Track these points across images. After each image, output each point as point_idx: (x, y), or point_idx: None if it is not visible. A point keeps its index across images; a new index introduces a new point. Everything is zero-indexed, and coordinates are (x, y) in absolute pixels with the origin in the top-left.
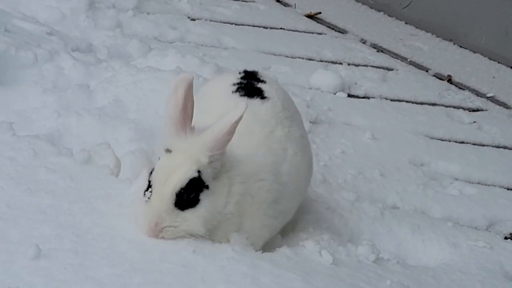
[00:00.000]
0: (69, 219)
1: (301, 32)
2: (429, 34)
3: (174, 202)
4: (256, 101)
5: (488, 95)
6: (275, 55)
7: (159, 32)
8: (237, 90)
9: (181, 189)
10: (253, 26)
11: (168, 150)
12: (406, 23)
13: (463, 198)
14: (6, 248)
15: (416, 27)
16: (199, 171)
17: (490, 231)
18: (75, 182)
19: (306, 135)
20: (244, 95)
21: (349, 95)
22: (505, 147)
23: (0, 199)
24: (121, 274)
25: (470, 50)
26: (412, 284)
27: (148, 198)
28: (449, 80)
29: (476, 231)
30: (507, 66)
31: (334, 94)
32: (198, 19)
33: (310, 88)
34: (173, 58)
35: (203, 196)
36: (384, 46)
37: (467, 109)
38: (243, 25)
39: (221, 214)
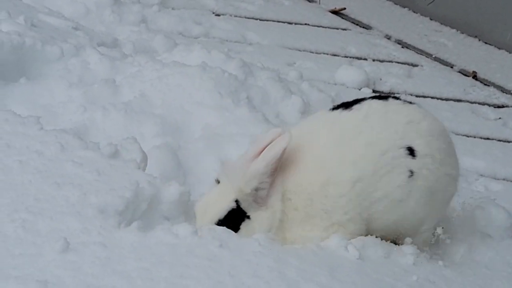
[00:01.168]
0: (96, 212)
1: (326, 27)
2: (454, 30)
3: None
4: (339, 112)
5: None
6: (299, 50)
7: (184, 27)
8: (334, 108)
9: (219, 220)
10: (278, 21)
11: (217, 181)
12: (430, 19)
13: (489, 194)
14: (34, 242)
15: (441, 23)
16: (237, 201)
17: None
18: (102, 176)
19: (382, 145)
20: (334, 108)
21: (374, 91)
22: None
23: (28, 192)
24: (149, 268)
25: (495, 46)
26: (438, 280)
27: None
28: (474, 77)
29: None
30: None
31: (359, 90)
32: (222, 14)
33: (335, 84)
34: (199, 53)
35: (244, 225)
36: (409, 42)
37: (492, 105)
38: (267, 20)
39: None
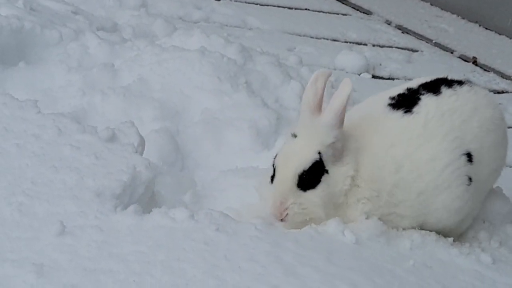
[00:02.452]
0: (93, 196)
1: (326, 13)
2: (455, 15)
3: (296, 183)
4: (398, 113)
5: None
6: (299, 35)
7: (184, 12)
8: (393, 97)
9: (304, 170)
10: (278, 6)
11: (294, 135)
12: (431, 5)
13: None
14: (31, 225)
15: (442, 9)
16: (319, 153)
17: None
18: (99, 159)
19: (442, 162)
20: (392, 104)
21: (374, 76)
22: None
23: (25, 176)
24: (145, 251)
25: (495, 32)
26: (435, 265)
27: (272, 181)
28: (474, 62)
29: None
30: None
31: (359, 75)
32: None
33: (335, 69)
34: (198, 38)
35: (324, 179)
36: (409, 28)
37: (492, 91)
38: (268, 5)
39: (338, 198)
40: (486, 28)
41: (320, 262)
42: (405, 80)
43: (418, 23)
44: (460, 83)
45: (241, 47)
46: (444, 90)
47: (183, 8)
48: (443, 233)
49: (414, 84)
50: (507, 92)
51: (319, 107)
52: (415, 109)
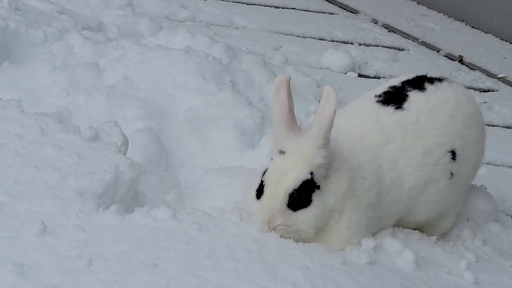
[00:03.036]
0: (75, 195)
1: (313, 12)
2: (441, 14)
3: (287, 202)
4: (389, 109)
5: (499, 75)
6: (286, 34)
7: (170, 11)
8: (380, 95)
9: (294, 190)
10: (265, 5)
11: (282, 152)
12: (418, 3)
13: None
14: (13, 224)
15: (428, 8)
16: (311, 173)
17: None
18: (82, 159)
19: (434, 157)
20: (381, 101)
21: (360, 75)
22: None
23: (7, 175)
24: (126, 251)
25: (482, 30)
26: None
27: (260, 197)
28: (461, 61)
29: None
30: None
31: (345, 74)
32: None
33: (321, 68)
34: (183, 37)
35: (315, 196)
36: (396, 26)
37: (478, 90)
38: (254, 4)
39: (330, 212)
40: (473, 27)
41: (303, 260)
42: (391, 78)
43: (405, 22)
44: (439, 80)
45: (226, 46)
46: (428, 86)
47: (169, 7)
48: (426, 229)
49: (396, 82)
50: (492, 90)
51: (292, 118)
52: (405, 105)
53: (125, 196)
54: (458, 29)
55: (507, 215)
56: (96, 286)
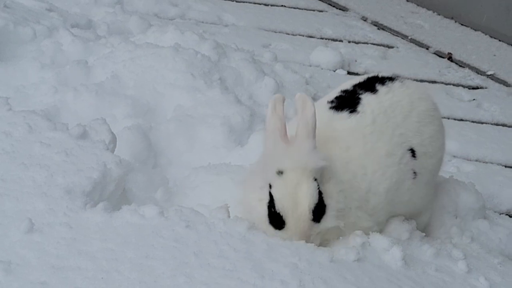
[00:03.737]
0: (63, 193)
1: (302, 9)
2: (430, 11)
3: (311, 218)
4: (343, 114)
5: (488, 73)
6: (275, 32)
7: (160, 9)
8: (332, 101)
9: (316, 204)
10: (254, 3)
11: (280, 172)
12: (407, 1)
13: (461, 175)
14: (0, 222)
15: (418, 5)
16: (315, 179)
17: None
18: (70, 156)
19: (397, 157)
20: (334, 107)
21: (349, 73)
22: (504, 125)
23: None
24: (113, 248)
25: (471, 28)
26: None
27: (282, 227)
28: (450, 58)
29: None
30: (508, 44)
31: (334, 71)
32: None
33: (310, 65)
34: (172, 35)
35: (324, 198)
36: (385, 24)
37: (466, 87)
38: (244, 2)
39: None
40: (462, 24)
41: (290, 258)
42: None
43: (394, 19)
44: (391, 79)
45: (215, 44)
46: (379, 87)
47: (159, 5)
48: None
49: (347, 85)
50: (481, 87)
51: (286, 133)
52: (359, 108)
53: (113, 194)
54: (447, 27)
55: (495, 212)
56: (84, 283)
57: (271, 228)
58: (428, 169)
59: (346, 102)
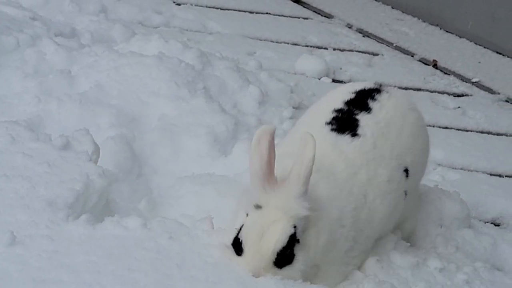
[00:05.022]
0: (45, 205)
1: (287, 16)
2: (415, 19)
3: (274, 260)
4: (346, 138)
5: (473, 80)
6: (260, 40)
7: (144, 17)
8: (330, 122)
9: (283, 247)
10: (239, 10)
11: (258, 206)
12: (392, 8)
13: (446, 184)
14: None
15: (403, 12)
16: (295, 226)
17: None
18: (52, 168)
19: (396, 178)
20: (335, 129)
21: (334, 80)
22: (489, 133)
23: None
24: (96, 261)
25: (456, 35)
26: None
27: (240, 254)
28: (435, 65)
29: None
30: (492, 51)
31: (319, 79)
32: (183, 3)
33: (295, 73)
34: (156, 43)
35: (297, 251)
36: (370, 31)
37: (451, 94)
38: (229, 9)
39: (312, 267)
40: (447, 31)
41: None
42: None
43: (379, 26)
44: (377, 91)
45: (199, 52)
46: (372, 105)
47: (143, 13)
48: None
49: (337, 101)
50: (466, 95)
51: (270, 172)
52: (359, 131)
53: (96, 205)
54: (432, 34)
55: (480, 220)
56: None
57: (231, 251)
58: (416, 183)
59: (345, 124)
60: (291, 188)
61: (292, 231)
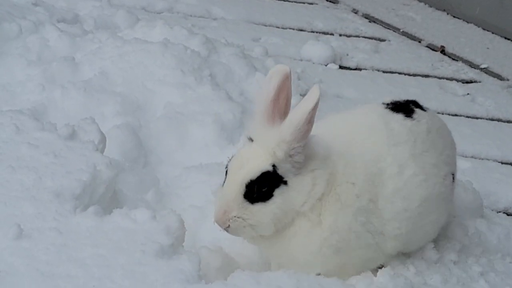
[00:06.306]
0: (52, 197)
1: (292, 2)
2: (422, 4)
3: (243, 193)
4: (399, 116)
5: (482, 66)
6: (265, 25)
7: (147, 2)
8: (389, 104)
9: (251, 181)
10: None
11: (250, 139)
12: None
13: (457, 173)
14: None
15: None
16: (274, 166)
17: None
18: (58, 158)
19: (443, 172)
20: (391, 108)
21: (341, 67)
22: (499, 120)
23: None
24: (105, 254)
25: (463, 20)
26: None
27: (223, 185)
28: (442, 51)
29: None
30: (501, 36)
31: (325, 65)
32: None
33: (301, 60)
34: (161, 30)
35: (279, 192)
36: (376, 16)
37: (460, 81)
38: None
39: (296, 212)
40: (454, 17)
41: None
42: (373, 70)
43: (385, 11)
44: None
45: (205, 39)
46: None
47: None
48: None
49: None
50: (475, 81)
51: (273, 110)
52: (415, 116)
53: (103, 196)
54: (439, 19)
55: (492, 210)
56: None
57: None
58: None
59: (402, 108)
60: (281, 131)
61: (268, 168)
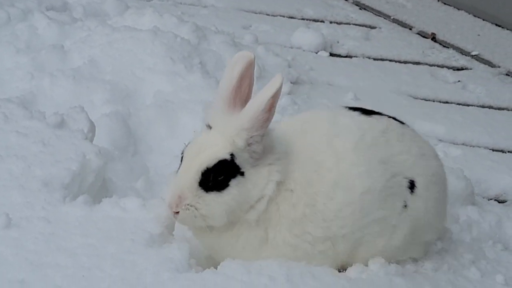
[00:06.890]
0: (40, 186)
1: None
2: None
3: (198, 181)
4: (354, 113)
5: (473, 53)
6: (255, 13)
7: None
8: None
9: (207, 168)
10: None
11: (209, 126)
12: None
13: (448, 160)
14: None
15: None
16: (232, 155)
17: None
18: (47, 147)
19: (392, 170)
20: (353, 109)
21: (331, 54)
22: (490, 107)
23: None
24: (94, 244)
25: (454, 7)
26: None
27: (177, 172)
28: (433, 38)
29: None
30: (492, 23)
31: (316, 53)
32: None
33: (291, 47)
34: (150, 17)
35: (235, 182)
36: (367, 3)
37: (451, 68)
38: None
39: (251, 208)
40: (445, 3)
41: None
42: (364, 57)
43: None
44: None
45: (194, 26)
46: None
47: None
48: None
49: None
50: (466, 68)
51: (233, 100)
52: (374, 116)
53: (93, 185)
54: (430, 6)
55: (483, 197)
56: (64, 281)
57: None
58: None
59: (367, 111)
60: (240, 118)
61: (225, 157)
